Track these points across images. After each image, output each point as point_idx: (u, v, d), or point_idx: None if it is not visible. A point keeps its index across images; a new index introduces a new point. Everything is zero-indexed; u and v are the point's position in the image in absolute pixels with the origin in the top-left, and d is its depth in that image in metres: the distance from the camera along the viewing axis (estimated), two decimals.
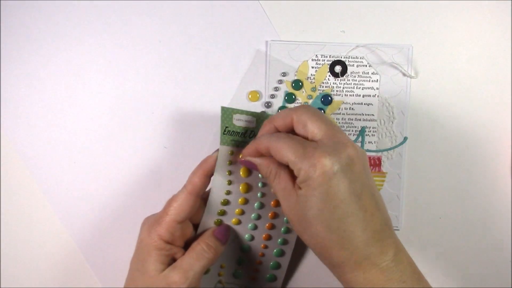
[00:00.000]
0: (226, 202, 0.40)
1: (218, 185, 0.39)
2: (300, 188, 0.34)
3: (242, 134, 0.39)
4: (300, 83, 0.46)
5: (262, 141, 0.36)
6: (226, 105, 0.46)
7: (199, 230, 0.40)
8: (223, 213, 0.40)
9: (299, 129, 0.35)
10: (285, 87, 0.46)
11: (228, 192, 0.40)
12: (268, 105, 0.46)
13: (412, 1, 0.46)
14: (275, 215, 0.41)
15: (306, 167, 0.33)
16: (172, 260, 0.38)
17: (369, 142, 0.46)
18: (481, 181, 0.46)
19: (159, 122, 0.46)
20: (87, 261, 0.47)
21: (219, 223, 0.41)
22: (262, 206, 0.41)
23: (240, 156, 0.38)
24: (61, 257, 0.47)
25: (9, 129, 0.46)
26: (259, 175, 0.40)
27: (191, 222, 0.40)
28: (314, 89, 0.46)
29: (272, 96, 0.46)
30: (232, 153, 0.39)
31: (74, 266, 0.47)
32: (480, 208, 0.46)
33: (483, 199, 0.46)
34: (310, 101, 0.46)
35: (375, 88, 0.46)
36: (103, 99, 0.46)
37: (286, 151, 0.34)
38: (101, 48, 0.46)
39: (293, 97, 0.46)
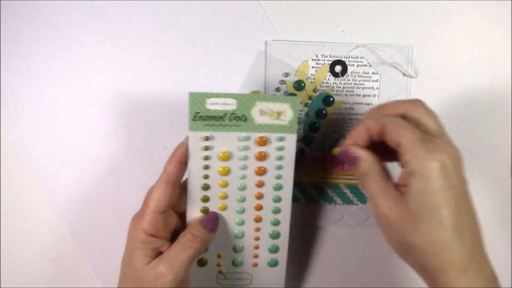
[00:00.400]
0: (206, 187, 0.40)
1: (194, 171, 0.39)
2: (407, 184, 0.32)
3: (220, 117, 0.38)
4: (302, 84, 0.46)
5: (377, 119, 0.35)
6: None
7: (187, 220, 0.40)
8: (206, 199, 0.40)
9: (409, 122, 0.34)
10: (286, 88, 0.46)
11: (206, 176, 0.39)
12: None
13: (412, 1, 0.46)
14: (261, 196, 0.40)
15: (423, 155, 0.31)
16: (159, 254, 0.38)
17: None
18: (481, 181, 0.46)
19: (159, 122, 0.46)
20: (87, 261, 0.47)
21: (206, 210, 0.40)
22: (244, 187, 0.40)
23: (340, 146, 0.36)
24: (61, 257, 0.47)
25: (9, 129, 0.46)
26: (240, 157, 0.39)
27: (175, 212, 0.40)
28: (315, 90, 0.46)
29: None
30: (207, 138, 0.38)
31: (74, 266, 0.47)
32: (480, 208, 0.46)
33: (483, 199, 0.46)
34: (311, 102, 0.46)
35: (375, 88, 0.46)
36: (103, 99, 0.46)
37: (403, 130, 0.32)
38: (101, 48, 0.46)
39: None
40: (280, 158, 0.39)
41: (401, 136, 0.33)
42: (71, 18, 0.46)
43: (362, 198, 0.46)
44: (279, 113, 0.38)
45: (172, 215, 0.40)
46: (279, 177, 0.40)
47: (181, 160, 0.38)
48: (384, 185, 0.34)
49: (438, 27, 0.46)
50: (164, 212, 0.38)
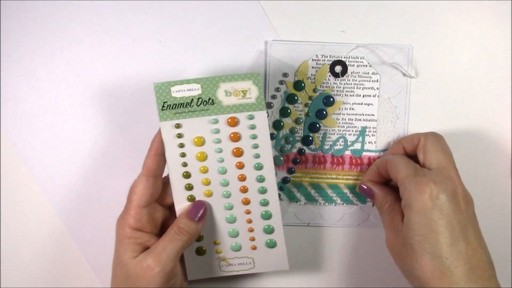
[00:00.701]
0: (187, 175, 0.40)
1: (172, 160, 0.40)
2: (404, 215, 0.35)
3: (188, 104, 0.39)
4: (302, 84, 0.46)
5: (383, 158, 0.41)
6: None
7: (176, 210, 0.40)
8: (190, 187, 0.40)
9: (419, 153, 0.38)
10: (286, 88, 0.46)
11: (185, 164, 0.40)
12: (269, 105, 0.46)
13: (412, 1, 0.46)
14: (244, 178, 0.41)
15: (413, 188, 0.35)
16: (146, 248, 0.38)
17: (369, 142, 0.46)
18: (481, 181, 0.46)
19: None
20: (87, 262, 0.47)
21: (193, 199, 0.40)
22: (225, 171, 0.40)
23: (360, 183, 0.43)
24: (61, 257, 0.47)
25: (9, 129, 0.46)
26: (214, 140, 0.39)
27: (165, 206, 0.41)
28: (315, 90, 0.46)
29: (273, 97, 0.46)
30: (178, 126, 0.39)
31: (74, 266, 0.47)
32: (480, 208, 0.46)
33: (483, 199, 0.46)
34: (311, 102, 0.46)
35: (375, 88, 0.46)
36: (103, 99, 0.46)
37: (400, 167, 0.37)
38: (101, 48, 0.46)
39: (295, 98, 0.46)
40: (254, 137, 0.40)
41: (397, 172, 0.37)
42: (71, 18, 0.46)
43: (362, 198, 0.46)
44: (244, 92, 0.39)
45: (157, 209, 0.40)
46: (257, 156, 0.40)
47: (158, 151, 0.39)
48: (392, 216, 0.38)
49: (438, 27, 0.46)
50: (147, 206, 0.39)
